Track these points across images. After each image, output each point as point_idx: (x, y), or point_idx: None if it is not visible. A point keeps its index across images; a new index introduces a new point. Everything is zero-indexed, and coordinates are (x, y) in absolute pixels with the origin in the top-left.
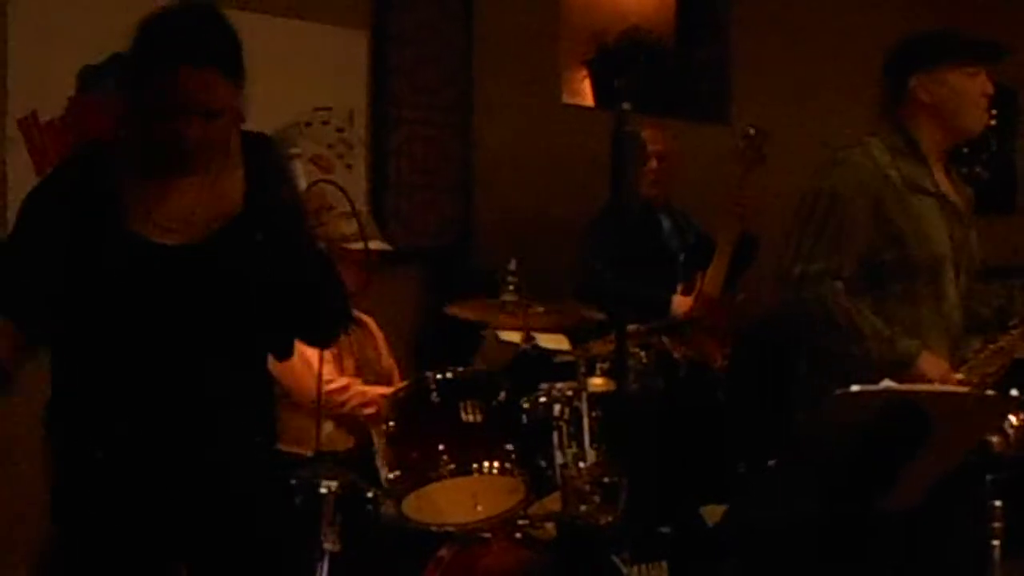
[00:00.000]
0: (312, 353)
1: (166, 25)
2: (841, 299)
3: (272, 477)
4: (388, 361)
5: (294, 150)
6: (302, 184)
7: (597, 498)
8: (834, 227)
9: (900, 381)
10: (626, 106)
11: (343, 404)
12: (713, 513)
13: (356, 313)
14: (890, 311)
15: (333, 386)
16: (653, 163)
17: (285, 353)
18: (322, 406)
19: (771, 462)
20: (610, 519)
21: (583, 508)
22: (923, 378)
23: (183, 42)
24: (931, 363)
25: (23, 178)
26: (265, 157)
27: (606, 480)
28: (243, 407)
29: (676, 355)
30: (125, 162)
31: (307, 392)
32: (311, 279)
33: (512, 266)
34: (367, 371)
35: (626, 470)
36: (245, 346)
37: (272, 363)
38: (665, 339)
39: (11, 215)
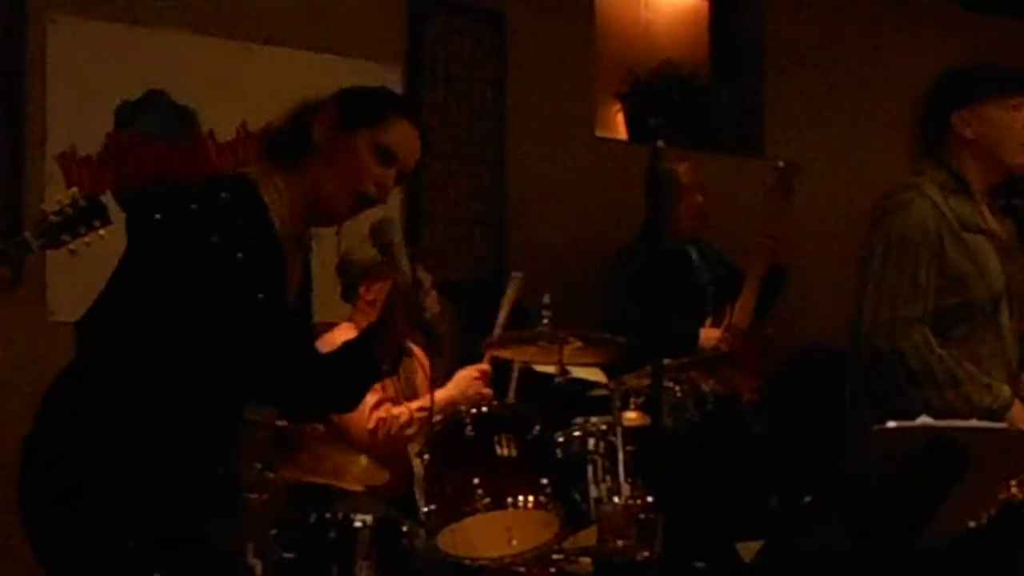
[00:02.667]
0: None
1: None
2: (935, 346)
3: None
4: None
5: (395, 239)
6: (406, 268)
7: (634, 533)
8: (910, 273)
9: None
10: (660, 143)
11: (388, 432)
12: (749, 549)
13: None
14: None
15: (379, 418)
16: (698, 198)
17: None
18: (374, 443)
19: (807, 498)
20: (647, 555)
21: (620, 544)
22: (1013, 423)
23: (413, 108)
24: (1021, 410)
25: None
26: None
27: (643, 516)
28: None
29: (704, 388)
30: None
31: (361, 432)
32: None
33: (546, 300)
34: (413, 397)
35: (661, 505)
36: None
37: None
38: (693, 373)
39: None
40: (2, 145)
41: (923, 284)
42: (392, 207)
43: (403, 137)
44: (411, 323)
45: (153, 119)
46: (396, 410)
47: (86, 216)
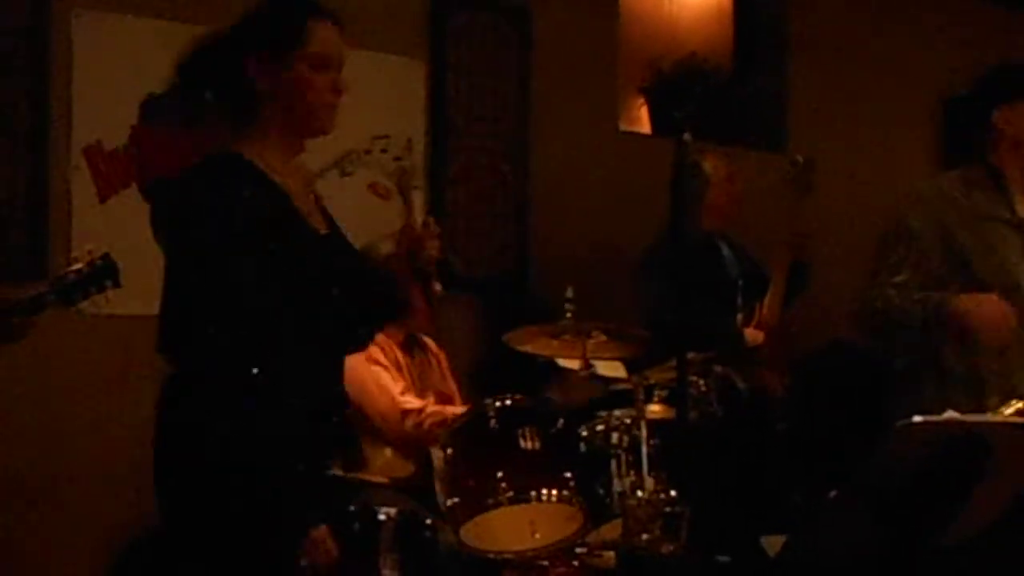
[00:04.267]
0: (385, 383)
1: None
2: (891, 292)
3: None
4: (451, 385)
5: (413, 182)
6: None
7: (658, 527)
8: (910, 261)
9: (950, 331)
10: (686, 137)
11: (420, 425)
12: (774, 543)
13: (420, 336)
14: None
15: (410, 406)
16: (728, 192)
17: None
18: (403, 431)
19: (831, 493)
20: (671, 549)
21: (644, 537)
22: (967, 314)
23: (324, 6)
24: (968, 298)
25: (87, 205)
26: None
27: (668, 509)
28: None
29: (739, 384)
30: (266, 161)
31: (390, 418)
32: None
33: (569, 294)
34: (430, 394)
35: (685, 499)
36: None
37: (354, 394)
38: (728, 368)
39: (76, 241)
40: (28, 139)
41: (910, 265)
42: (415, 202)
43: (328, 38)
44: (410, 262)
45: (179, 112)
46: (431, 408)
47: (99, 276)
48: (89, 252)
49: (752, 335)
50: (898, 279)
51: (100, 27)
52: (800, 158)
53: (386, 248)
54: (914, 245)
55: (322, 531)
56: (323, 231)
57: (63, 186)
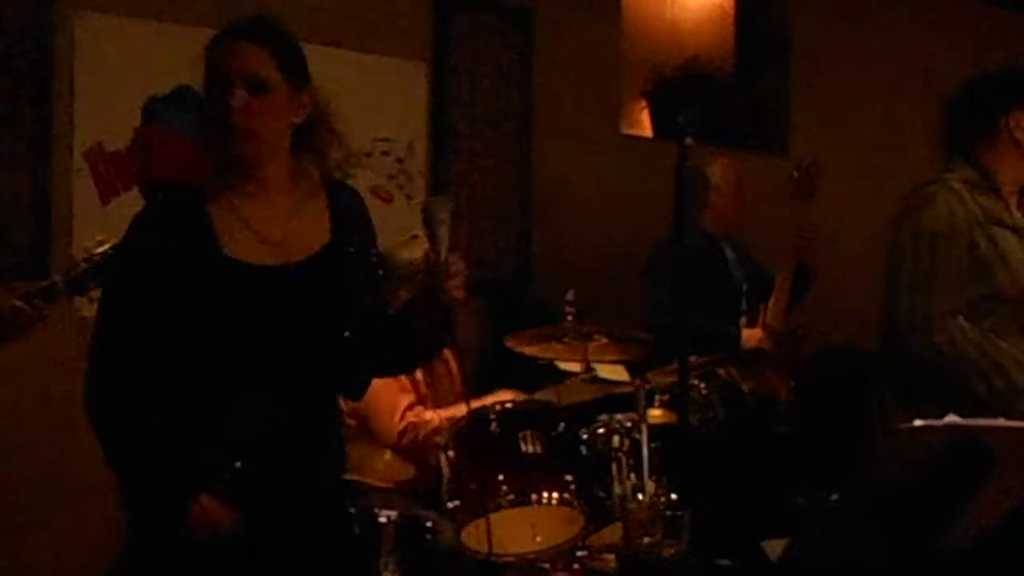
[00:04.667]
0: (393, 396)
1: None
2: (973, 335)
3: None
4: (461, 390)
5: (445, 218)
6: (442, 248)
7: (660, 530)
8: (942, 266)
9: None
10: (688, 141)
11: (415, 439)
12: (775, 547)
13: None
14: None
15: (402, 426)
16: (730, 194)
17: (361, 390)
18: (404, 443)
19: (834, 497)
20: (673, 552)
21: (646, 540)
22: None
23: (236, 24)
24: None
25: (88, 207)
26: (351, 202)
27: (669, 513)
28: (323, 436)
29: (744, 388)
30: (211, 188)
31: (389, 432)
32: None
33: (571, 296)
34: (441, 398)
35: (687, 502)
36: (329, 374)
37: (363, 405)
38: (732, 372)
39: (77, 243)
40: (30, 140)
41: (954, 277)
42: (417, 204)
43: (224, 56)
44: (430, 301)
45: (180, 115)
46: (427, 415)
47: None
48: (100, 242)
49: (751, 337)
50: (940, 306)
51: (102, 29)
52: (803, 161)
53: (406, 255)
54: (950, 256)
55: (204, 501)
56: (260, 260)
57: (65, 188)
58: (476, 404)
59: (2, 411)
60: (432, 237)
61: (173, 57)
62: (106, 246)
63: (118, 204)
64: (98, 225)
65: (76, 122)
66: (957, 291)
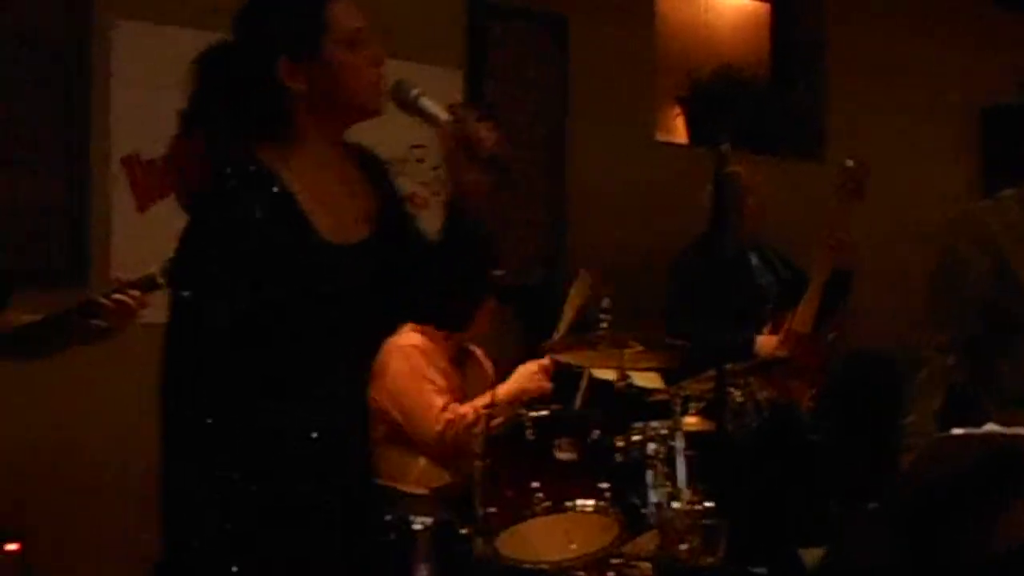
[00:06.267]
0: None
1: None
2: (940, 377)
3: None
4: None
5: (413, 91)
6: (441, 112)
7: (696, 539)
8: (948, 297)
9: None
10: (725, 147)
11: (458, 433)
12: (812, 555)
13: (469, 348)
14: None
15: (450, 417)
16: (756, 201)
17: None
18: (446, 441)
19: (870, 505)
20: (711, 560)
21: (682, 548)
22: None
23: None
24: None
25: (126, 215)
26: (377, 163)
27: (706, 521)
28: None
29: (760, 396)
30: (274, 168)
31: (428, 434)
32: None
33: (605, 303)
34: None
35: (722, 510)
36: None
37: (398, 407)
38: (750, 379)
39: (115, 250)
40: (68, 148)
41: (967, 301)
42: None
43: (352, 12)
44: (475, 165)
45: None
46: (462, 409)
47: None
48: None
49: (766, 344)
50: (939, 344)
51: (139, 37)
52: (851, 162)
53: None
54: (967, 278)
55: None
56: (344, 239)
57: (103, 196)
58: (502, 388)
59: (67, 413)
60: (423, 116)
61: None
62: None
63: (155, 212)
64: (135, 233)
65: (113, 130)
66: (956, 324)
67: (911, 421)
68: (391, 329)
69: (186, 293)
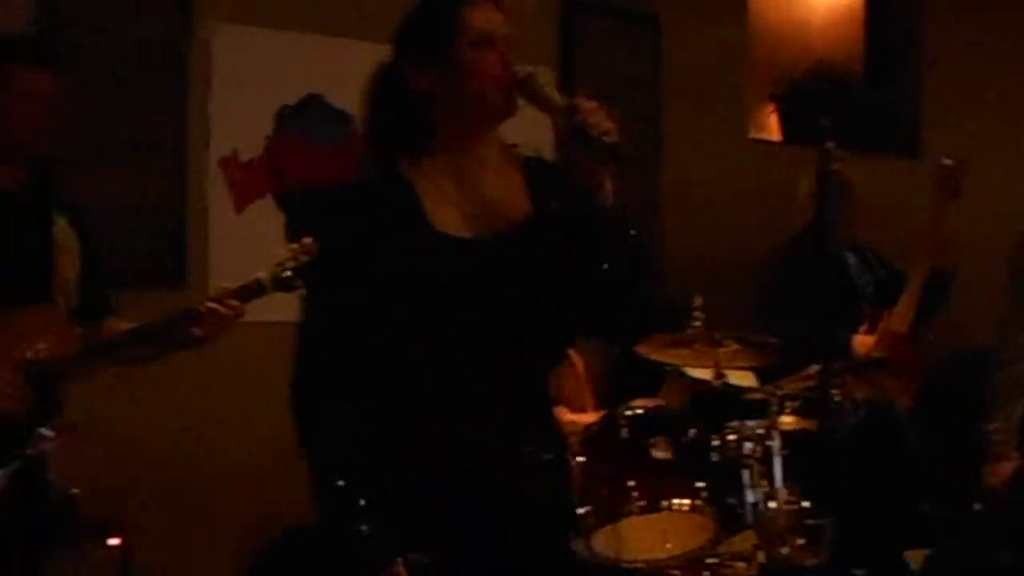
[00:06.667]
0: None
1: None
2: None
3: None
4: (586, 393)
5: (540, 85)
6: (559, 100)
7: (799, 539)
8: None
9: None
10: (830, 145)
11: None
12: (916, 557)
13: None
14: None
15: None
16: (852, 199)
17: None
18: None
19: (976, 507)
20: (814, 561)
21: (785, 550)
22: None
23: None
24: None
25: (223, 215)
26: (551, 174)
27: (810, 521)
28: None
29: (858, 395)
30: (412, 167)
31: None
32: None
33: (698, 302)
34: (571, 403)
35: (820, 510)
36: (537, 350)
37: None
38: (848, 379)
39: (213, 250)
40: (167, 149)
41: None
42: None
43: (486, 16)
44: (592, 154)
45: (312, 123)
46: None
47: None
48: (302, 243)
49: (863, 344)
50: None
51: (237, 40)
52: (949, 161)
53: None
54: None
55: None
56: (467, 233)
57: (201, 196)
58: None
59: (166, 409)
60: (544, 105)
61: (305, 66)
62: (314, 241)
63: (252, 211)
64: (233, 232)
65: (212, 132)
66: None
67: (995, 428)
68: (557, 329)
69: (313, 288)
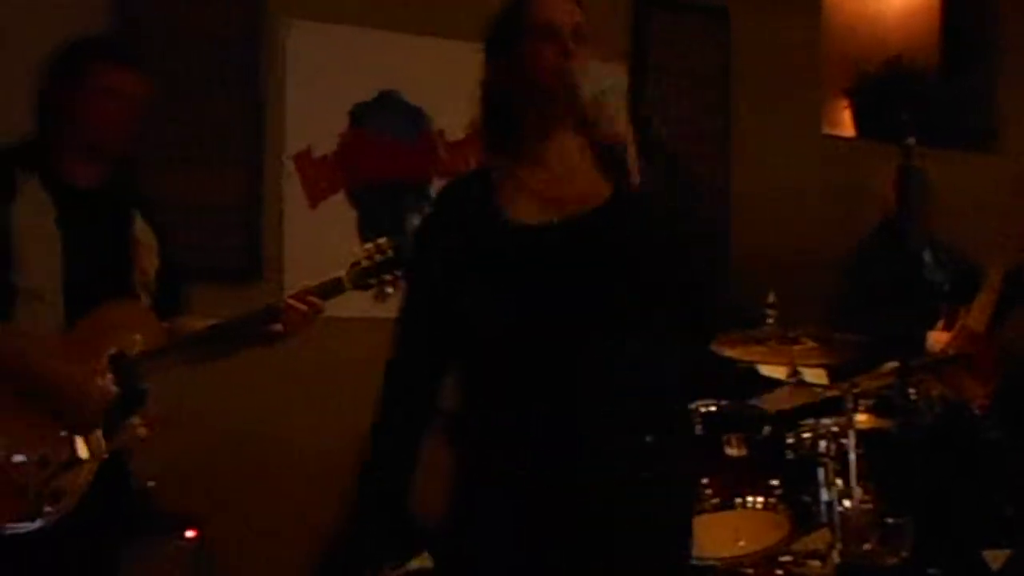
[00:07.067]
0: None
1: None
2: None
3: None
4: None
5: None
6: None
7: (876, 538)
8: None
9: None
10: (911, 140)
11: None
12: (996, 557)
13: None
14: None
15: None
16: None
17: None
18: None
19: None
20: (894, 561)
21: (865, 548)
22: None
23: None
24: None
25: (298, 211)
26: (620, 159)
27: (890, 520)
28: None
29: (933, 393)
30: (494, 164)
31: None
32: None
33: (771, 299)
34: None
35: (899, 509)
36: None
37: None
38: (923, 376)
39: (288, 246)
40: (243, 145)
41: None
42: None
43: (547, 7)
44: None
45: (386, 119)
46: None
47: (391, 264)
48: (377, 242)
49: (938, 341)
50: None
51: (311, 36)
52: None
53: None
54: None
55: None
56: (538, 220)
57: (276, 192)
58: None
59: (242, 403)
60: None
61: (379, 63)
62: (390, 241)
63: (326, 207)
64: (307, 227)
65: (286, 128)
66: None
67: None
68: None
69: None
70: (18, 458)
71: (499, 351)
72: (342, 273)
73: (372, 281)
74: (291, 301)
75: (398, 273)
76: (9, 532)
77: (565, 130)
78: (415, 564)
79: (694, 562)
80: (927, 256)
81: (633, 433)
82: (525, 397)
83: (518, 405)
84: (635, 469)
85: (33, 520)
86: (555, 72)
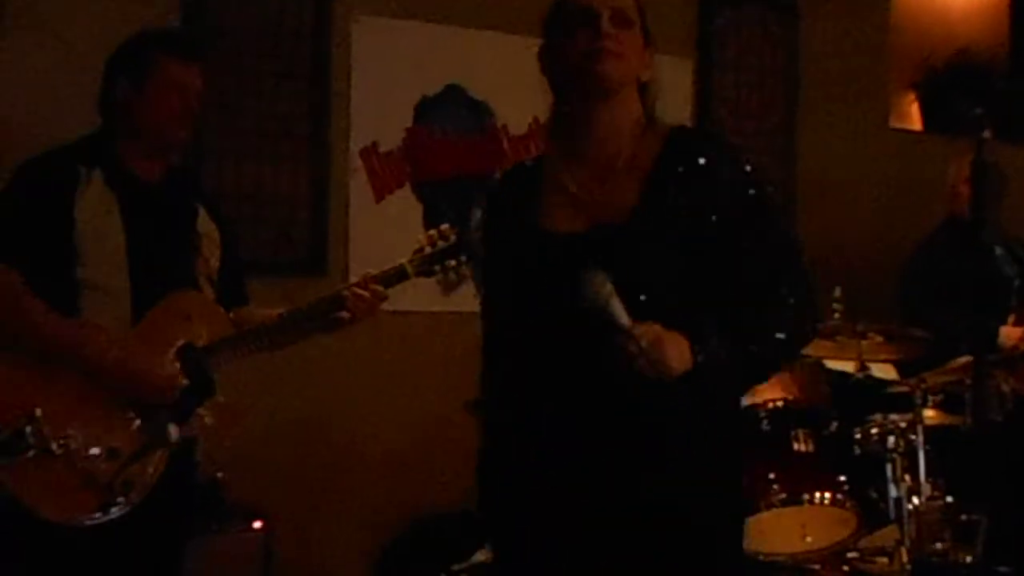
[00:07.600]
0: None
1: None
2: None
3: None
4: None
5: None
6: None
7: (949, 535)
8: None
9: None
10: (986, 134)
11: None
12: None
13: None
14: None
15: None
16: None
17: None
18: None
19: None
20: (968, 559)
21: (938, 546)
22: None
23: None
24: None
25: (364, 205)
26: (688, 158)
27: (963, 517)
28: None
29: (1004, 388)
30: (550, 143)
31: None
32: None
33: (837, 294)
34: None
35: (971, 506)
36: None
37: None
38: (995, 372)
39: (353, 240)
40: (310, 141)
41: None
42: None
43: None
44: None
45: (450, 114)
46: None
47: (453, 250)
48: (440, 229)
49: (1011, 335)
50: None
51: (377, 32)
52: None
53: None
54: None
55: None
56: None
57: (342, 186)
58: None
59: (309, 395)
60: (606, 313)
61: (444, 57)
62: (452, 228)
63: (391, 202)
64: (372, 222)
65: (353, 123)
66: None
67: None
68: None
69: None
70: (93, 451)
71: (521, 351)
72: (405, 260)
73: (435, 267)
74: (355, 288)
75: (461, 259)
76: (86, 524)
77: (609, 113)
78: (479, 557)
79: (760, 558)
80: (999, 250)
81: (680, 438)
82: (545, 396)
83: (542, 404)
84: (685, 473)
85: (106, 512)
86: (585, 55)
